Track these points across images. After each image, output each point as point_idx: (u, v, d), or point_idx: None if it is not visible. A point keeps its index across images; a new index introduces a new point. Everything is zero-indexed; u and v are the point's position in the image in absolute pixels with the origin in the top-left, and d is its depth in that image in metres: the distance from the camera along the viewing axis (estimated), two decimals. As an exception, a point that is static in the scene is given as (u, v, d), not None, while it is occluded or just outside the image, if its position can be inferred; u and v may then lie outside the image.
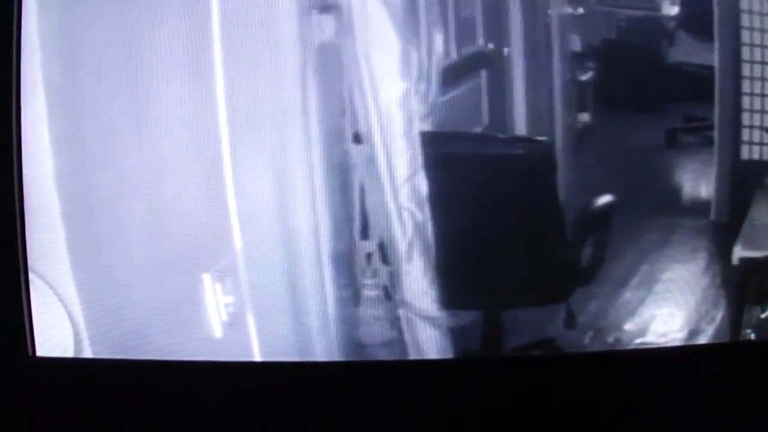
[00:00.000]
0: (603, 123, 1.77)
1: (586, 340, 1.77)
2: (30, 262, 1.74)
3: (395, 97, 1.75)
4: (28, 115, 1.72)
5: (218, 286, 1.78)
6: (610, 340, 1.78)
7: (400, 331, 1.79)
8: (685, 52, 1.79)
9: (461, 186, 1.76)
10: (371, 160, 1.77)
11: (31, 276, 1.74)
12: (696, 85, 1.77)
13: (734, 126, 1.77)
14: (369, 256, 1.79)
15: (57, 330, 1.77)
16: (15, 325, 1.74)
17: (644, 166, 1.79)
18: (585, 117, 1.78)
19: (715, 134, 1.77)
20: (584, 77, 1.77)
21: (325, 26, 1.73)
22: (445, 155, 1.77)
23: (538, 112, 1.79)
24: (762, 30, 1.75)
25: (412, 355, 1.81)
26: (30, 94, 1.72)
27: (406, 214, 1.78)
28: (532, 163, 1.79)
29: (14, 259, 1.72)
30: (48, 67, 1.72)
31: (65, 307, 1.77)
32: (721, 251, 1.77)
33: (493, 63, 1.80)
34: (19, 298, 1.73)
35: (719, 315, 1.77)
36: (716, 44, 1.76)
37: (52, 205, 1.75)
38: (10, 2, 1.68)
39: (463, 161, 1.78)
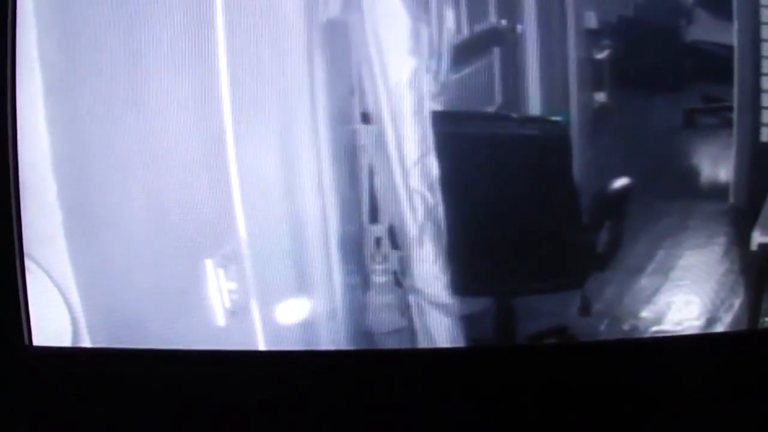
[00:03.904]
0: (619, 103, 1.76)
1: (602, 328, 1.76)
2: (26, 248, 1.72)
3: (405, 76, 1.73)
4: (24, 95, 1.70)
5: (221, 272, 1.76)
6: (626, 328, 1.76)
7: (410, 318, 1.78)
8: (703, 30, 1.76)
9: (473, 168, 1.75)
10: (380, 141, 1.75)
11: (27, 262, 1.73)
12: (714, 64, 1.75)
13: (754, 107, 1.75)
14: (378, 240, 1.77)
15: (54, 318, 1.75)
16: (11, 314, 1.72)
17: (661, 148, 1.77)
18: (601, 97, 1.76)
19: (734, 115, 1.75)
20: (600, 56, 1.75)
21: (332, 1, 1.71)
22: (457, 136, 1.75)
23: (553, 92, 1.77)
24: (782, 9, 1.73)
25: (423, 344, 1.79)
26: (26, 74, 1.70)
27: (416, 197, 1.76)
28: (546, 145, 1.77)
29: (10, 244, 1.71)
30: (44, 45, 1.70)
31: (62, 294, 1.75)
32: (739, 236, 1.75)
33: (506, 40, 1.77)
34: (15, 285, 1.72)
35: (737, 302, 1.76)
36: (735, 23, 1.73)
37: (48, 188, 1.73)
38: (4, -21, 1.67)
39: (475, 142, 1.76)
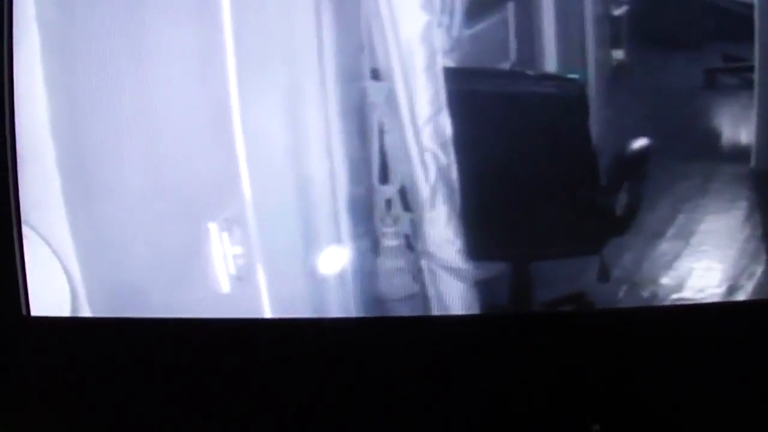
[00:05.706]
0: (638, 61, 1.73)
1: (620, 295, 1.72)
2: (24, 215, 1.71)
3: (417, 31, 1.70)
4: (21, 54, 1.69)
5: (225, 236, 1.73)
6: (646, 294, 1.72)
7: (423, 284, 1.75)
8: (723, -13, 1.74)
9: (487, 126, 1.71)
10: (391, 99, 1.72)
11: (25, 229, 1.71)
12: (735, 23, 1.71)
13: (775, 67, 1.72)
14: (389, 202, 1.74)
15: (52, 287, 1.73)
16: (8, 282, 1.71)
17: (681, 108, 1.73)
18: (619, 54, 1.73)
19: (756, 76, 1.71)
20: (618, 12, 1.72)
21: (341, -47, 1.70)
22: (470, 93, 1.72)
23: (570, 49, 1.74)
24: (804, -36, 1.70)
25: (436, 311, 1.76)
26: (22, 32, 1.68)
27: (428, 157, 1.73)
28: (563, 103, 1.73)
29: (6, 209, 1.70)
30: (42, 3, 1.69)
31: (61, 262, 1.73)
32: (761, 200, 1.72)
33: (522, -6, 1.76)
34: (12, 253, 1.70)
35: (759, 269, 1.72)
36: (756, -19, 1.71)
37: (46, 151, 1.71)
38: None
39: (489, 100, 1.73)
